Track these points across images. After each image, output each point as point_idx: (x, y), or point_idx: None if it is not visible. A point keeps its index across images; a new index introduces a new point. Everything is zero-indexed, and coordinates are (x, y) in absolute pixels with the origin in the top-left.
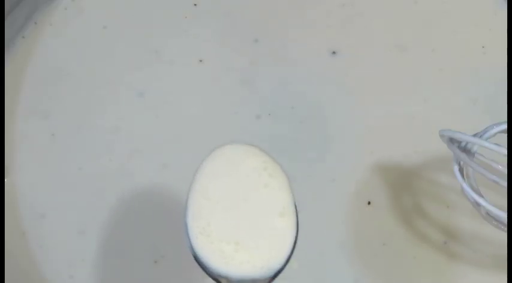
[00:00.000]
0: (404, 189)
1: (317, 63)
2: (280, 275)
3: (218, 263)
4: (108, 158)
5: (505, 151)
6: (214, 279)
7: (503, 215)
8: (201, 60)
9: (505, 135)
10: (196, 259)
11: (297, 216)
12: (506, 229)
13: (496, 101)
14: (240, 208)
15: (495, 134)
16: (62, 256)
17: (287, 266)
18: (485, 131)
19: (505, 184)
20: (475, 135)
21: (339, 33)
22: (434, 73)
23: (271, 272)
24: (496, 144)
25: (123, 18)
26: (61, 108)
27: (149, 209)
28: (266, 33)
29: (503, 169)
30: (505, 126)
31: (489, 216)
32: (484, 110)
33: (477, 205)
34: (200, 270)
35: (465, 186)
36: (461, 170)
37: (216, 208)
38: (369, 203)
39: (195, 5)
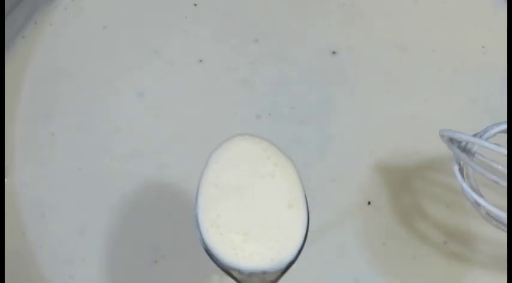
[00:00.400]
0: (404, 189)
1: (317, 63)
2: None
3: (228, 255)
4: (108, 158)
5: (505, 151)
6: (225, 271)
7: (503, 215)
8: (201, 60)
9: (505, 135)
10: (208, 252)
11: (307, 208)
12: (506, 229)
13: (496, 101)
14: (248, 200)
15: (495, 134)
16: (62, 256)
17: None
18: (485, 130)
19: (505, 184)
20: (475, 135)
21: (339, 33)
22: (434, 73)
23: (282, 264)
24: (496, 144)
25: (123, 18)
26: (61, 108)
27: (149, 209)
28: (266, 33)
29: (503, 169)
30: (505, 126)
31: (489, 216)
32: (484, 110)
33: (477, 205)
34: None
35: (465, 186)
36: (461, 170)
37: (225, 200)
38: (369, 203)
39: (195, 5)
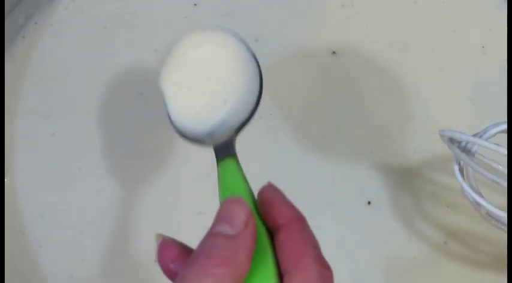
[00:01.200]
0: (404, 189)
1: (317, 63)
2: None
3: (193, 126)
4: (108, 158)
5: (505, 151)
6: (198, 143)
7: (503, 215)
8: None
9: (505, 135)
10: (180, 133)
11: (260, 74)
12: (506, 229)
13: (496, 101)
14: (197, 72)
15: (495, 134)
16: (62, 256)
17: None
18: (485, 130)
19: (505, 184)
20: (475, 135)
21: (339, 33)
22: (434, 73)
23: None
24: (496, 144)
25: (123, 18)
26: (61, 108)
27: (149, 209)
28: (266, 33)
29: (503, 169)
30: (505, 126)
31: (489, 216)
32: (484, 110)
33: (477, 205)
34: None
35: (465, 186)
36: (461, 170)
37: (180, 71)
38: (369, 203)
39: (195, 5)
